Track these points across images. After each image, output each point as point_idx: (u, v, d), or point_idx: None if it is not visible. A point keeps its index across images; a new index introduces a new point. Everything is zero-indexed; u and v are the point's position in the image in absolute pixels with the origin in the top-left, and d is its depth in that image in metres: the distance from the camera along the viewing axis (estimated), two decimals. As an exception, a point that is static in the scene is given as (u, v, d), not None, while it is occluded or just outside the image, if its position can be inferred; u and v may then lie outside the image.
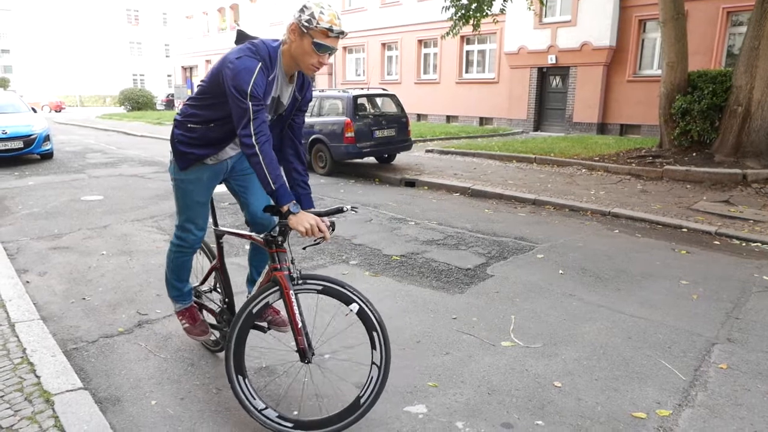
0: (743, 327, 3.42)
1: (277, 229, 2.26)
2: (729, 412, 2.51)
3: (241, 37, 2.32)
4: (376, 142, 9.57)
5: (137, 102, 33.43)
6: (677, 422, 2.43)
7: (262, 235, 2.35)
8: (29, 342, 2.93)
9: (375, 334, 2.24)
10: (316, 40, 2.13)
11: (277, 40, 2.28)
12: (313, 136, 9.69)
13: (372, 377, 2.24)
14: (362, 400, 2.23)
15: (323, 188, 8.39)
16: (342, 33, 2.14)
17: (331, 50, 2.17)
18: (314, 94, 10.38)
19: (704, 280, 4.27)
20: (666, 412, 2.50)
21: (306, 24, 2.11)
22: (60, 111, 38.68)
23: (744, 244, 5.34)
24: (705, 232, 5.72)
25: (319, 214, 2.19)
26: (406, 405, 2.55)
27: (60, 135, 17.40)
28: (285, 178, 2.18)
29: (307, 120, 9.91)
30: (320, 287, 2.28)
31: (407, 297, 3.90)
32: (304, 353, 2.31)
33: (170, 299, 2.88)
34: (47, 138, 11.08)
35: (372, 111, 10.13)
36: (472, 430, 2.37)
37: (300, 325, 2.27)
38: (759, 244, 5.31)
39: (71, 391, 2.48)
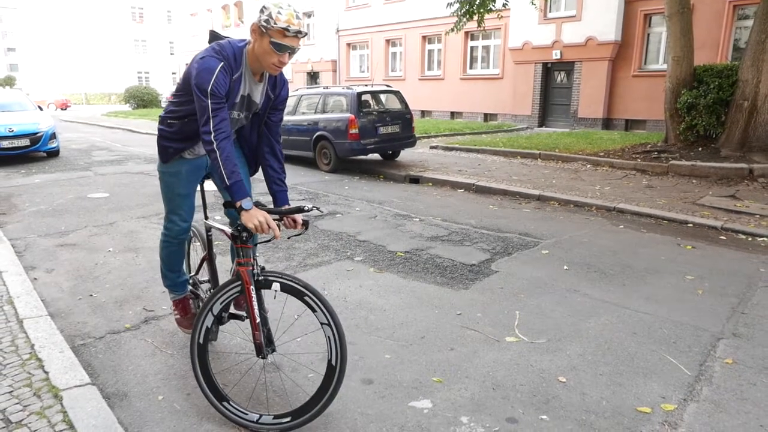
0: (749, 322, 3.42)
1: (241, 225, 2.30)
2: (734, 406, 2.51)
3: (213, 37, 2.40)
4: (380, 139, 9.55)
5: (142, 99, 33.58)
6: (682, 417, 2.43)
7: (230, 231, 2.39)
8: (37, 338, 2.96)
9: (307, 298, 2.25)
10: (274, 39, 2.16)
11: (244, 40, 2.34)
12: (318, 133, 9.68)
13: (329, 337, 2.24)
14: (333, 362, 2.24)
15: (328, 185, 8.40)
16: (299, 32, 2.16)
17: (290, 49, 2.20)
18: (319, 90, 10.41)
19: (710, 275, 4.26)
20: (671, 407, 2.50)
21: (264, 24, 2.16)
22: (66, 109, 38.84)
23: (750, 239, 5.32)
24: (711, 227, 5.69)
25: (272, 212, 2.25)
26: (411, 400, 2.56)
27: (66, 133, 17.47)
28: (241, 176, 2.22)
29: (312, 117, 9.93)
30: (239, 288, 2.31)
31: (412, 293, 3.91)
32: (260, 348, 2.33)
33: (166, 289, 3.00)
34: (53, 136, 11.13)
35: (376, 107, 10.11)
36: (477, 424, 2.38)
37: (258, 320, 2.30)
38: (765, 238, 5.28)
39: (79, 386, 2.51)
